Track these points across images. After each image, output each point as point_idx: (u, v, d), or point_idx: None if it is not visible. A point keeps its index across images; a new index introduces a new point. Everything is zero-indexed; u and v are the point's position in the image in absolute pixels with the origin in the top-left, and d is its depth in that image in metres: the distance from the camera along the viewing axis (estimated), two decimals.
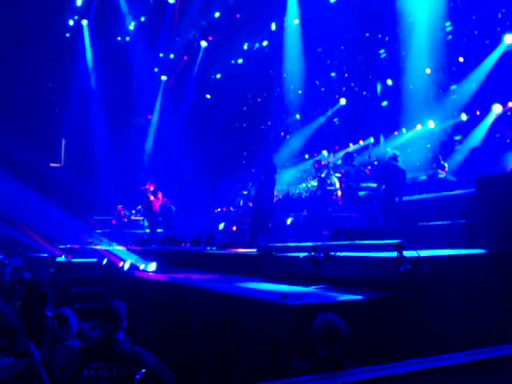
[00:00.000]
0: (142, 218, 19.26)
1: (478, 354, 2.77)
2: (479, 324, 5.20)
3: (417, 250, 5.31)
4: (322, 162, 16.10)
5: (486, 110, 14.62)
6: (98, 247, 13.11)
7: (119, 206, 19.65)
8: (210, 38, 22.96)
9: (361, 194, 12.43)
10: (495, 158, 12.67)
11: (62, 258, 13.49)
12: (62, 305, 6.59)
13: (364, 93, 19.25)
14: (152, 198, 15.96)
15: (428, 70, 16.23)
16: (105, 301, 5.95)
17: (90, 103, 23.21)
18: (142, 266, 10.13)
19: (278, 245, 8.84)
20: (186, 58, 23.82)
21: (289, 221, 14.28)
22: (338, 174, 14.31)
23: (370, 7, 17.19)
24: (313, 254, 6.22)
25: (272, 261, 7.26)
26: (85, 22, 22.91)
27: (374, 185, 12.07)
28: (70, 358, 4.90)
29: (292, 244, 11.77)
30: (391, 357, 4.69)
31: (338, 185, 13.77)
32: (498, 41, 14.36)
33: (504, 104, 14.23)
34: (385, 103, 18.29)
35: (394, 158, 11.28)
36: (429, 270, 5.04)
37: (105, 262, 12.14)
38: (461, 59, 15.67)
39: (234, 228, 17.10)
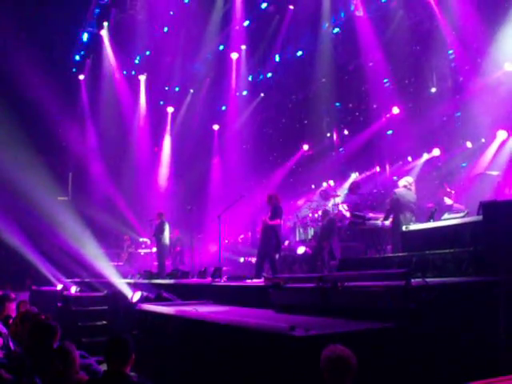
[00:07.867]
0: (149, 250, 19.25)
1: None
2: (485, 352, 5.15)
3: (424, 278, 5.30)
4: (329, 192, 16.15)
5: (491, 137, 14.64)
6: (106, 280, 13.10)
7: (126, 237, 19.66)
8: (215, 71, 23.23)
9: (368, 223, 12.42)
10: (502, 185, 12.65)
11: (71, 291, 13.48)
12: (69, 339, 6.56)
13: (369, 122, 19.28)
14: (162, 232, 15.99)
15: (432, 95, 16.34)
16: (112, 334, 5.92)
17: (96, 136, 23.41)
18: (148, 299, 10.13)
19: (285, 276, 8.79)
20: (191, 90, 24.07)
21: (301, 250, 14.17)
22: (344, 205, 14.30)
23: (373, 38, 17.38)
24: (320, 284, 6.19)
25: (279, 292, 7.22)
26: (90, 58, 23.38)
27: (381, 215, 12.05)
28: None
29: (299, 275, 11.73)
30: None
31: (344, 214, 13.75)
32: (499, 68, 14.43)
33: (509, 130, 14.26)
34: (390, 132, 18.33)
35: (406, 186, 11.24)
36: (436, 298, 5.03)
37: (112, 294, 12.12)
38: (461, 79, 15.73)
39: (242, 259, 17.10)
